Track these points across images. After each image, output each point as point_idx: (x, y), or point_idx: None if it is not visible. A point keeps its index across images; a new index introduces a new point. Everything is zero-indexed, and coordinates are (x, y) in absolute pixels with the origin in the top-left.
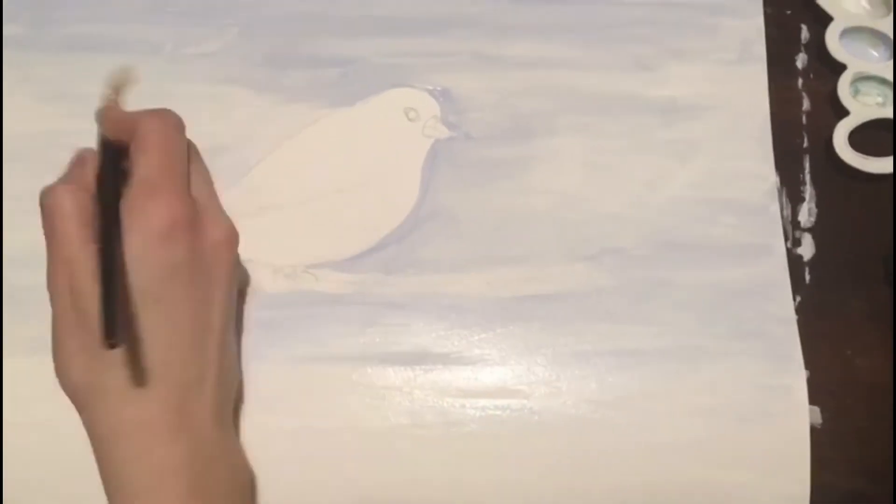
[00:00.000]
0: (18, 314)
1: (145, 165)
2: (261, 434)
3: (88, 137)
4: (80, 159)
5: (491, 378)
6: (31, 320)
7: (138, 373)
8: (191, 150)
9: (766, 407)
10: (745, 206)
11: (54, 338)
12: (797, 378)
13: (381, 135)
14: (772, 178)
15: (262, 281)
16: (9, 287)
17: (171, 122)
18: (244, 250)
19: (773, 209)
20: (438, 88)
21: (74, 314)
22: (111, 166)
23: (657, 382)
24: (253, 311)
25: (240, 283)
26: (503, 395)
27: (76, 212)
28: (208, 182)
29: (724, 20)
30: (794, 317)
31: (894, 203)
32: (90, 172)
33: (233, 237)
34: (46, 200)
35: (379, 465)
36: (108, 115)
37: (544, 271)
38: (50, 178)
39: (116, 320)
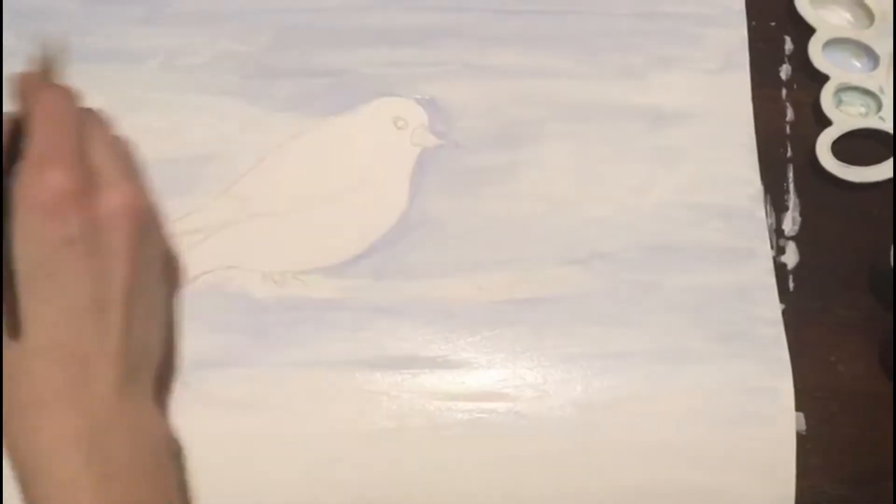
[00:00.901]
0: None
1: (34, 139)
2: (247, 438)
3: None
4: None
5: (478, 381)
6: None
7: (16, 328)
8: (92, 118)
9: (752, 409)
10: (731, 211)
11: None
12: (784, 380)
13: (369, 143)
14: (757, 184)
15: (252, 287)
16: None
17: (59, 92)
18: (234, 257)
19: (758, 214)
20: (426, 97)
21: None
22: (11, 141)
23: (644, 385)
24: (241, 317)
25: (169, 252)
26: (490, 398)
27: None
28: (113, 149)
29: (708, 30)
30: (780, 319)
31: (894, 213)
32: None
33: (132, 204)
34: None
35: (367, 468)
36: (20, 86)
37: (532, 275)
38: None
39: None
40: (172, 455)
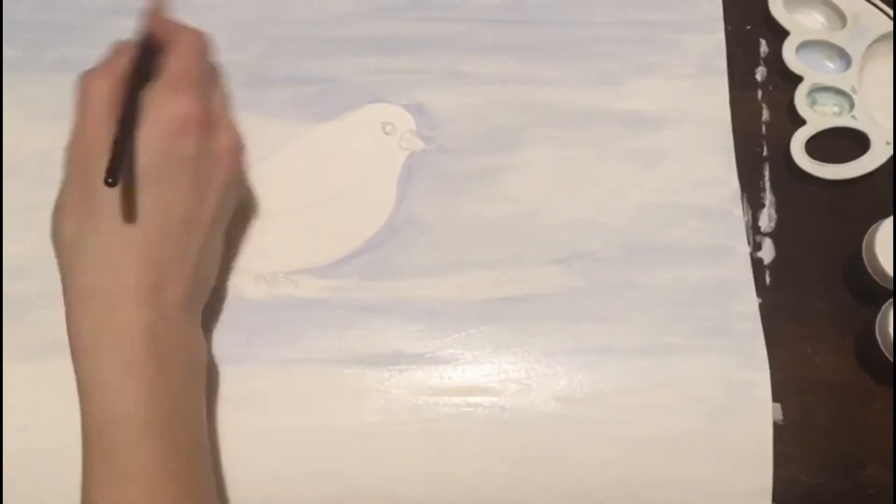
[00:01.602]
0: (18, 323)
1: (173, 65)
2: (242, 432)
3: None
4: (117, 50)
5: (462, 377)
6: (31, 329)
7: (129, 211)
8: (215, 70)
9: (730, 402)
10: (709, 211)
11: (58, 199)
12: (761, 373)
13: (358, 148)
14: (734, 184)
15: (245, 287)
16: (9, 297)
17: (204, 38)
18: (228, 258)
19: (736, 213)
20: (413, 104)
21: (81, 179)
22: (144, 61)
23: (624, 379)
24: (236, 317)
25: (241, 198)
26: (475, 392)
27: (105, 93)
28: (226, 101)
29: (685, 36)
30: (757, 314)
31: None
32: (124, 63)
33: (239, 148)
34: (82, 81)
35: (356, 461)
36: (154, 16)
37: (515, 275)
38: (48, 195)
39: (120, 166)
40: (209, 374)
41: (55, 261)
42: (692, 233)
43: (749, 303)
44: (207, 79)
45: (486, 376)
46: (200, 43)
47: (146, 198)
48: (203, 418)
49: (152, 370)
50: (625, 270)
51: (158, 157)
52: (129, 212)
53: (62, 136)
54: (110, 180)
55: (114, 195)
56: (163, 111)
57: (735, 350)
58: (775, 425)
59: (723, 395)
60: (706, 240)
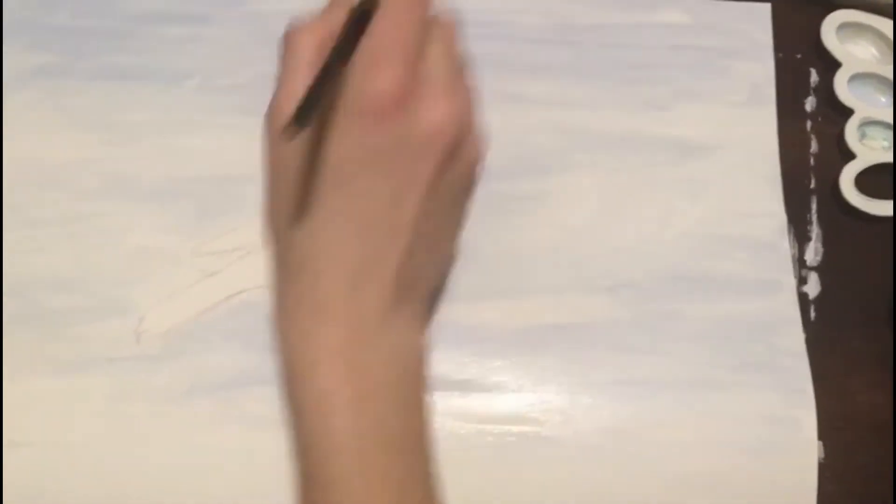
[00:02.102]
0: (56, 337)
1: (376, 31)
2: (283, 456)
3: (122, 164)
4: (335, 4)
5: (506, 405)
6: (70, 344)
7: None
8: (439, 23)
9: (775, 440)
10: (755, 243)
11: (266, 186)
12: (808, 411)
13: None
14: (782, 216)
15: None
16: (48, 310)
17: None
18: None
19: (783, 246)
20: None
21: (279, 164)
22: (356, 23)
23: (668, 413)
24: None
25: (470, 178)
26: (518, 422)
27: (310, 51)
28: (449, 58)
29: (734, 63)
30: (804, 351)
31: (894, 245)
32: (339, 19)
33: (449, 124)
34: (288, 36)
35: None
36: None
37: (559, 302)
38: (86, 206)
39: (311, 113)
40: (427, 387)
41: (93, 275)
42: (739, 265)
43: (796, 339)
44: (416, 40)
45: (529, 405)
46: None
47: (332, 200)
48: (426, 435)
49: (354, 394)
50: (670, 301)
51: (349, 151)
52: (315, 213)
53: (101, 145)
54: (294, 127)
55: (308, 192)
56: (356, 95)
57: (781, 387)
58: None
59: (768, 433)
60: (753, 273)
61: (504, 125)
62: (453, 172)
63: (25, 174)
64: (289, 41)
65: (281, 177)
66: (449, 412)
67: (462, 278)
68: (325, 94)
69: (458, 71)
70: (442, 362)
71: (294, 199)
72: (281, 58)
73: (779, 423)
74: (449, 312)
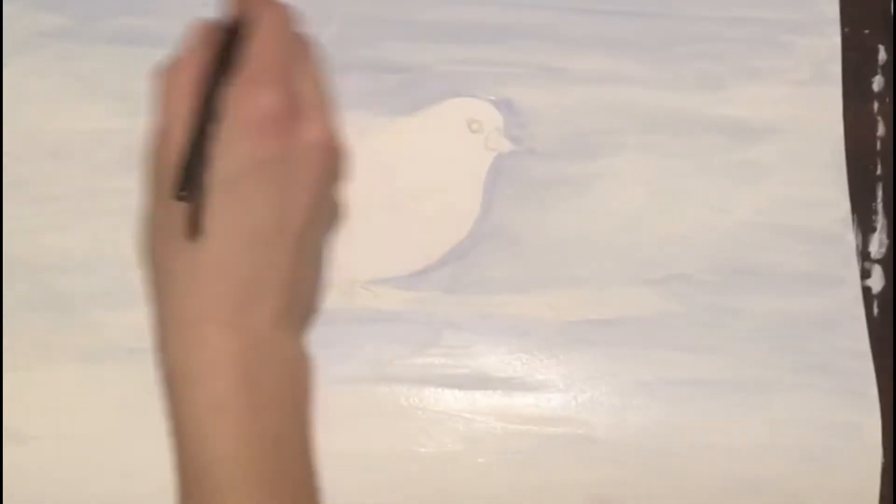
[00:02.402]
0: (68, 323)
1: (254, 55)
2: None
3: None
4: (200, 36)
5: (553, 405)
6: (83, 330)
7: (194, 229)
8: (304, 47)
9: (834, 446)
10: (817, 234)
11: (145, 215)
12: (870, 417)
13: (442, 146)
14: (846, 206)
15: None
16: (59, 295)
17: (283, 12)
18: None
19: (847, 238)
20: (502, 99)
21: (163, 192)
22: (228, 49)
23: (721, 415)
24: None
25: (338, 196)
26: (566, 423)
27: (187, 89)
28: (318, 81)
29: (798, 38)
30: (869, 351)
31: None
32: (207, 51)
33: (327, 141)
34: (162, 76)
35: (433, 492)
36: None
37: (607, 295)
38: (102, 181)
39: (193, 178)
40: (313, 399)
41: (110, 257)
42: (799, 258)
43: (860, 339)
44: (288, 61)
45: (578, 406)
46: (283, 21)
47: (222, 211)
48: (309, 445)
49: (247, 403)
50: (725, 296)
51: (235, 163)
52: (206, 227)
53: (117, 116)
54: (182, 194)
55: (190, 209)
56: (239, 111)
57: (842, 390)
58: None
59: (827, 438)
60: (814, 266)
61: (547, 102)
62: (330, 188)
63: (32, 146)
64: (163, 82)
65: (165, 193)
66: (492, 412)
67: (504, 269)
68: (201, 150)
69: (327, 89)
70: (484, 358)
71: (182, 214)
72: (157, 101)
73: (839, 428)
74: (490, 303)
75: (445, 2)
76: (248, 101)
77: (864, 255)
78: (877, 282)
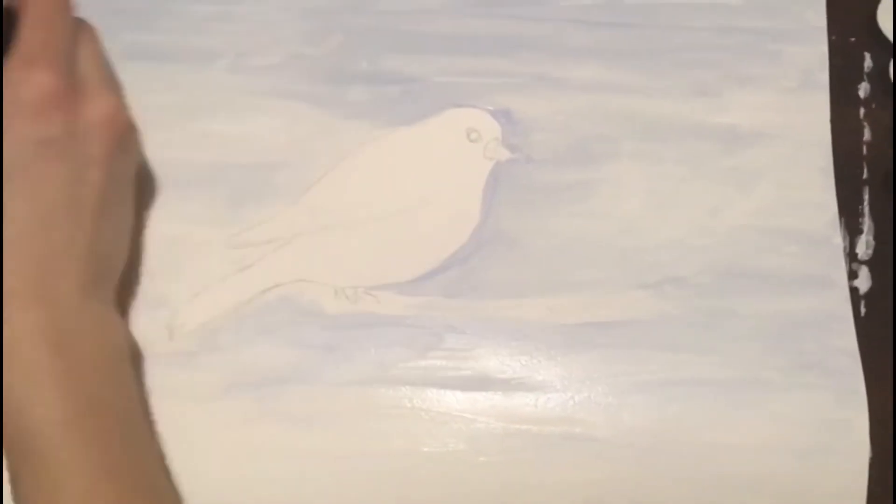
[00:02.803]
0: None
1: (24, 37)
2: (320, 455)
3: (150, 149)
4: None
5: (552, 406)
6: None
7: None
8: (83, 28)
9: (826, 443)
10: (807, 236)
11: None
12: (860, 413)
13: (441, 155)
14: (833, 209)
15: (324, 302)
16: None
17: None
18: (306, 270)
19: (835, 240)
20: (500, 109)
21: None
22: (4, 33)
23: (716, 414)
24: (314, 332)
25: (138, 169)
26: (565, 423)
27: None
28: (99, 62)
29: (786, 46)
30: (857, 350)
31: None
32: None
33: (114, 116)
34: None
35: (436, 490)
36: None
37: (606, 298)
38: None
39: None
40: (133, 361)
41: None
42: (789, 259)
43: (848, 337)
44: (65, 42)
45: (576, 406)
46: (54, 4)
47: (13, 192)
48: (136, 406)
49: (61, 367)
50: (719, 298)
51: (19, 145)
52: (7, 201)
53: None
54: None
55: None
56: (17, 93)
57: (833, 387)
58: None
59: (818, 435)
60: (804, 268)
61: (548, 111)
62: (124, 162)
63: None
64: None
65: None
66: (492, 412)
67: (503, 273)
68: None
69: (110, 71)
70: (485, 360)
71: None
72: None
73: (830, 425)
74: (491, 307)
75: (444, 14)
76: (24, 81)
77: (851, 256)
78: (864, 283)
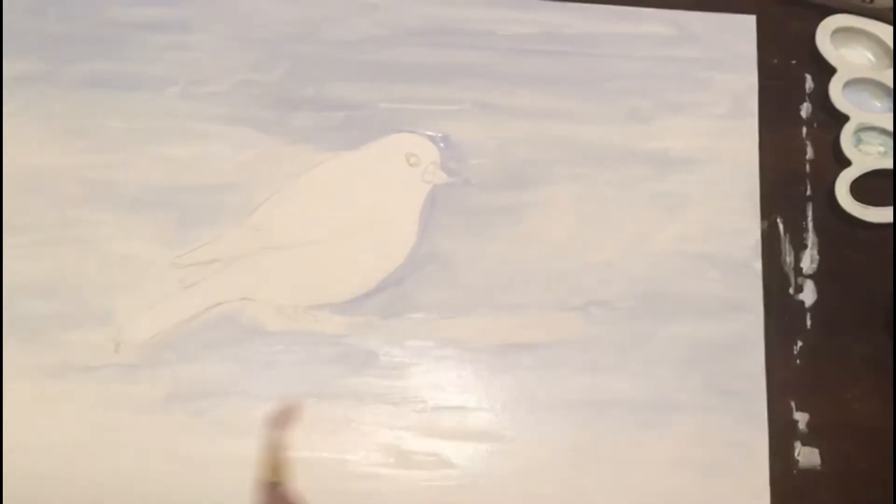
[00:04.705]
0: (32, 341)
1: None
2: (253, 465)
3: (105, 171)
4: None
5: (478, 422)
6: (44, 349)
7: None
8: None
9: (727, 461)
10: (729, 261)
11: None
12: (760, 434)
13: (381, 179)
14: (756, 235)
15: (266, 320)
16: (25, 316)
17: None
18: (249, 289)
19: (755, 266)
20: (439, 135)
21: None
22: None
23: (630, 433)
24: (255, 349)
25: None
26: (489, 439)
27: None
28: None
29: (717, 75)
30: (763, 373)
31: (894, 251)
32: None
33: None
34: None
35: (363, 500)
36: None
37: (535, 320)
38: (70, 213)
39: None
40: None
41: (75, 282)
42: (710, 284)
43: (756, 361)
44: None
45: (500, 423)
46: None
47: None
48: None
49: None
50: (641, 321)
51: None
52: None
53: (85, 153)
54: None
55: None
56: None
57: (737, 410)
58: (812, 470)
59: (721, 454)
60: (723, 292)
61: (486, 136)
62: None
63: (9, 181)
64: None
65: None
66: (420, 428)
67: (437, 294)
68: None
69: None
70: (416, 378)
71: None
72: None
73: (732, 445)
74: (424, 328)
75: (387, 44)
76: None
77: (796, 270)
78: (809, 295)
